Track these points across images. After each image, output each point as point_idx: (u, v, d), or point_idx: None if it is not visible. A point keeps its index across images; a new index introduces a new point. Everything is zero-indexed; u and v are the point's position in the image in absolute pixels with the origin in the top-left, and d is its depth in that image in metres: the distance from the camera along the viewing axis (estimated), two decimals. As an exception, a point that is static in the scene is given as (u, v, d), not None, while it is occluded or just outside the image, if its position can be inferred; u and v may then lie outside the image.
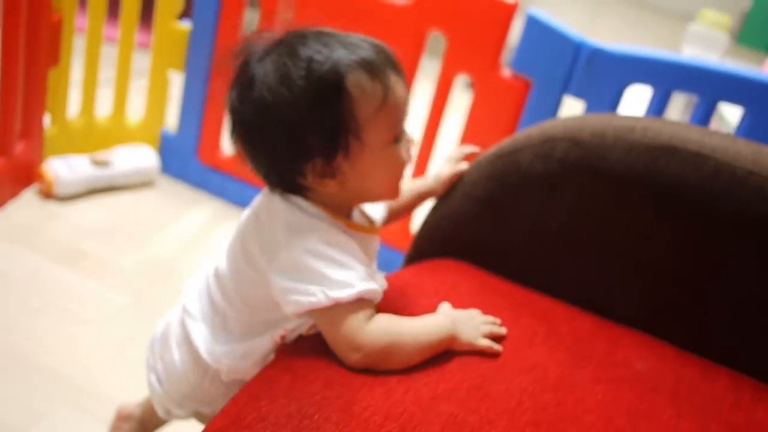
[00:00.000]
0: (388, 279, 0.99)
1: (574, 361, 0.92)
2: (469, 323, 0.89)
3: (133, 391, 1.38)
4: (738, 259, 0.98)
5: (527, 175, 1.02)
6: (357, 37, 0.82)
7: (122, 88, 2.04)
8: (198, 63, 1.93)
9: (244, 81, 0.82)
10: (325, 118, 0.79)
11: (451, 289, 0.99)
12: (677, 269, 1.01)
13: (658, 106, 1.51)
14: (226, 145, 2.03)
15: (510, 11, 1.56)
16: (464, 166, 1.08)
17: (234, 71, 0.83)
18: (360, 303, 0.82)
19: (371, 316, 0.83)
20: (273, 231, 0.84)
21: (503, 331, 0.91)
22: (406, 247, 1.17)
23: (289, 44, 0.81)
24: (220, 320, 0.92)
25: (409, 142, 0.87)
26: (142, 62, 2.06)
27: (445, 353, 0.86)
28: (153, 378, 0.99)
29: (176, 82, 2.04)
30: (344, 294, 0.80)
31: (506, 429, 0.77)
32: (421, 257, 1.11)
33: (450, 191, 1.08)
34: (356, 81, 0.79)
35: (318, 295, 0.80)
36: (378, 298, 0.85)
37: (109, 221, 1.87)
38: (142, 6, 1.96)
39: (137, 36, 1.99)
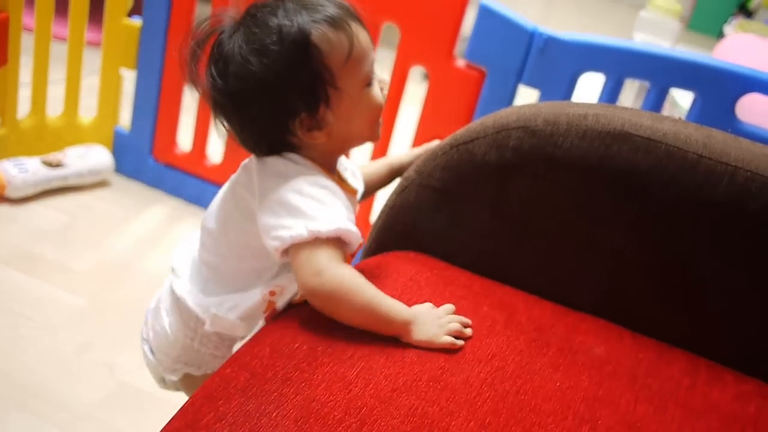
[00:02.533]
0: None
1: (533, 348, 0.93)
2: (434, 321, 0.89)
3: (92, 394, 1.36)
4: (691, 242, 0.99)
5: (482, 164, 1.02)
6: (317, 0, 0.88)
7: (73, 87, 2.00)
8: (150, 60, 1.90)
9: (219, 57, 0.86)
10: (302, 76, 0.85)
11: (409, 281, 0.99)
12: (633, 254, 1.02)
13: (611, 93, 1.53)
14: (182, 142, 2.01)
15: (463, 1, 1.56)
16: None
17: (206, 52, 0.88)
18: (337, 242, 0.86)
19: (342, 256, 0.86)
20: (264, 178, 0.89)
21: (468, 332, 0.90)
22: (365, 239, 1.16)
23: (255, 16, 0.86)
24: (211, 274, 0.95)
25: (382, 83, 0.93)
26: (93, 60, 2.03)
27: (405, 346, 0.86)
28: (146, 348, 1.02)
29: (130, 79, 2.01)
30: (324, 228, 0.83)
31: (466, 419, 0.77)
32: (380, 250, 1.11)
33: (406, 183, 1.08)
34: (322, 36, 0.85)
35: (298, 228, 0.83)
36: (355, 244, 0.88)
37: (63, 223, 1.84)
38: (91, 3, 1.92)
39: (87, 34, 1.96)
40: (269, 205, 0.86)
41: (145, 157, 2.03)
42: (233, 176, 0.96)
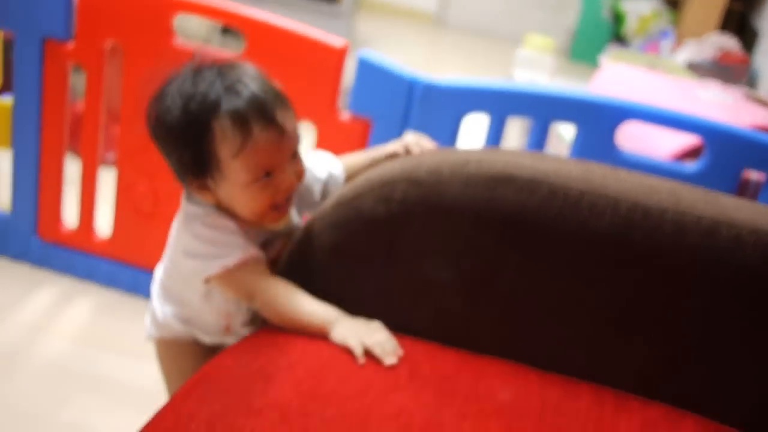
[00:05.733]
0: (246, 340, 0.96)
1: (439, 399, 0.92)
2: (359, 329, 0.97)
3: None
4: (583, 275, 1.00)
5: (370, 219, 1.01)
6: (245, 80, 0.96)
7: (-54, 171, 1.91)
8: (25, 137, 1.83)
9: (156, 97, 0.98)
10: (191, 147, 0.95)
11: (309, 344, 0.97)
12: (530, 293, 1.02)
13: (495, 132, 1.55)
14: (68, 218, 1.93)
15: (340, 55, 1.57)
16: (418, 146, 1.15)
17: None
18: (247, 264, 0.99)
19: (264, 271, 1.01)
20: (179, 224, 1.04)
21: (388, 361, 0.95)
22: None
23: (182, 80, 0.96)
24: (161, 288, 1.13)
25: (290, 174, 0.97)
26: (-36, 142, 1.94)
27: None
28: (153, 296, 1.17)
29: (5, 158, 1.93)
30: (230, 261, 0.98)
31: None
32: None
33: (296, 246, 1.06)
34: (220, 125, 0.93)
35: (212, 265, 0.98)
36: (263, 259, 1.02)
37: (-56, 316, 1.73)
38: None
39: (-44, 115, 1.87)
40: (184, 249, 1.01)
41: (30, 238, 1.94)
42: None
